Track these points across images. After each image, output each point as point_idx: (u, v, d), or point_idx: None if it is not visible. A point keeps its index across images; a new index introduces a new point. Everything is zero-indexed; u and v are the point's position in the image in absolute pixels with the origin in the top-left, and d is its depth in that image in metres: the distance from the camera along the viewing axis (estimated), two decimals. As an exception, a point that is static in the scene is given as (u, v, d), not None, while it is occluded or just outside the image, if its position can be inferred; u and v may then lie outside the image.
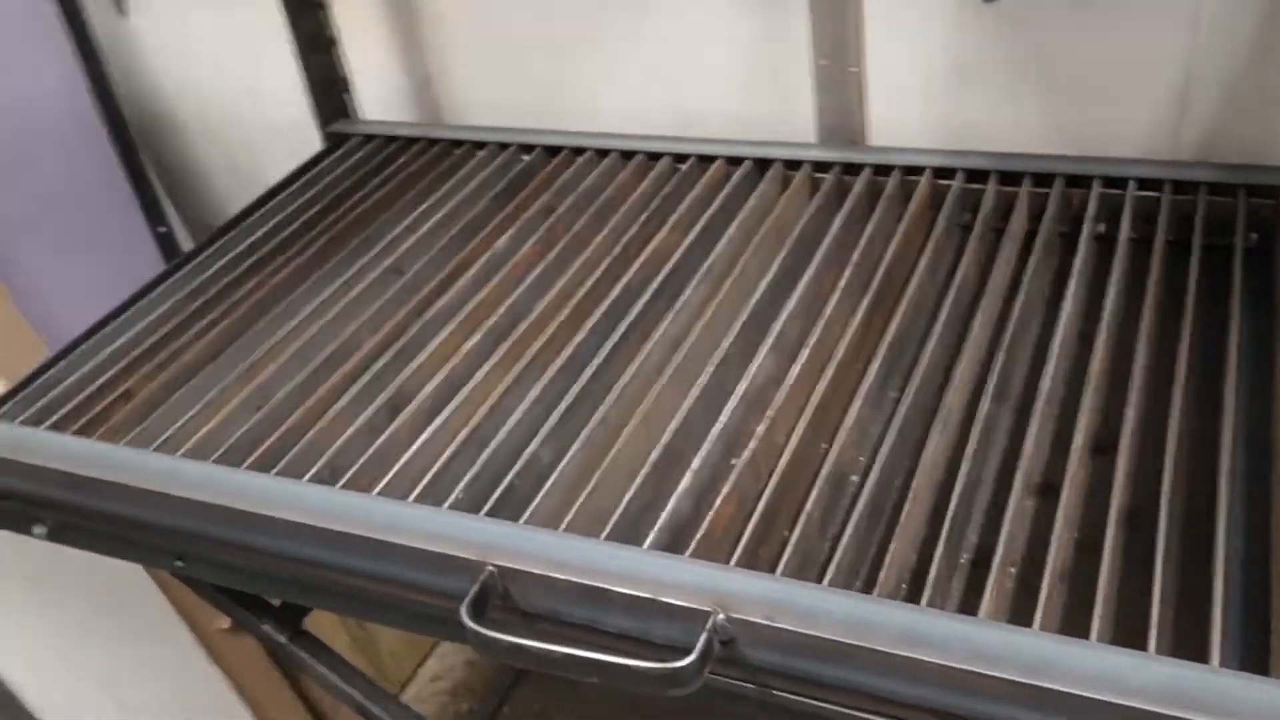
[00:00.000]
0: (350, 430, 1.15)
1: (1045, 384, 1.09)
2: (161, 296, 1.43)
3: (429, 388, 1.19)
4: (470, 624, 0.92)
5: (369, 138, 1.74)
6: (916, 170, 1.42)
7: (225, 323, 1.36)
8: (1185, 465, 1.01)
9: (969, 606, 0.96)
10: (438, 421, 1.15)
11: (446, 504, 1.05)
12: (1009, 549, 0.97)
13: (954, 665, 0.81)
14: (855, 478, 1.10)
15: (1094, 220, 1.30)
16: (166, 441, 1.19)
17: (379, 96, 1.95)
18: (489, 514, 1.04)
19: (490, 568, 0.96)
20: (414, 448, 1.11)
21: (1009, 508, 1.00)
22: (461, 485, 1.07)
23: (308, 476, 1.11)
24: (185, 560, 1.20)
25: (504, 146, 1.65)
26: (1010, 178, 1.38)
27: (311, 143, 1.92)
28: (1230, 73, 1.46)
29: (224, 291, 1.43)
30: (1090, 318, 1.20)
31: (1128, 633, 0.89)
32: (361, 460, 1.11)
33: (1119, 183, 1.33)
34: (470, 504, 1.07)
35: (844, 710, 0.89)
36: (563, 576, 0.93)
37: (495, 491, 1.06)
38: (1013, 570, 0.98)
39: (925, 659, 0.82)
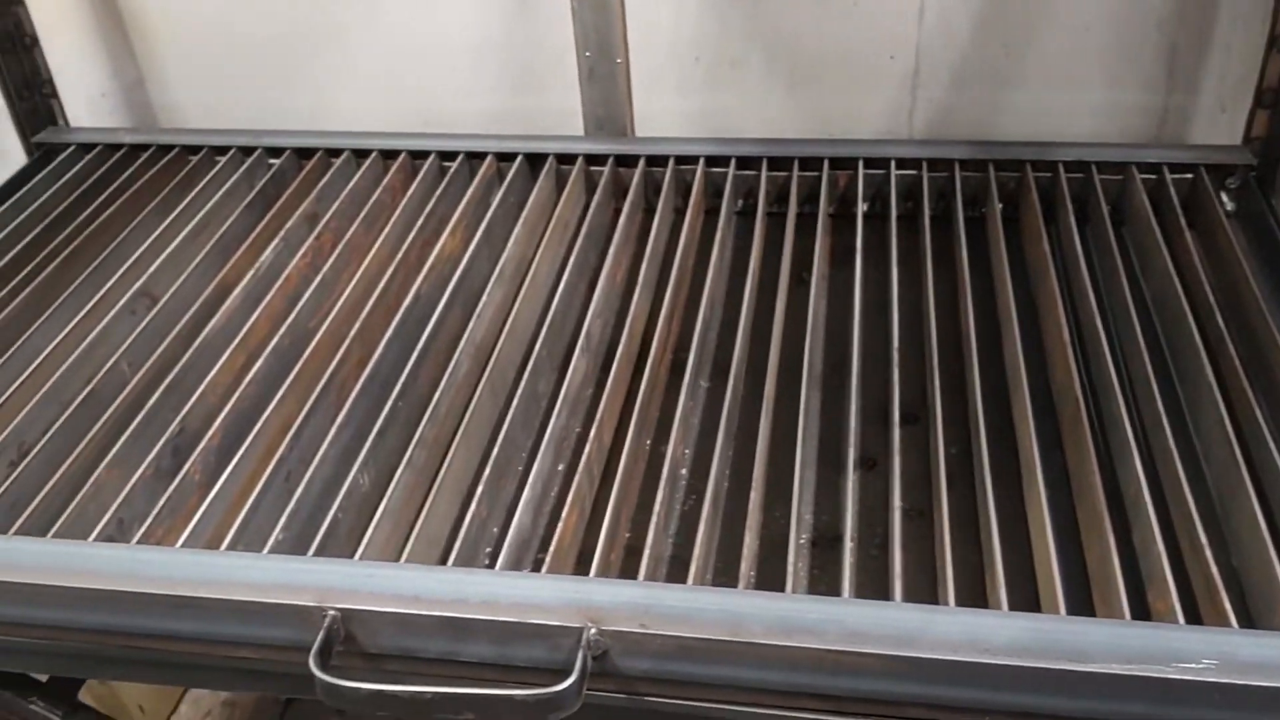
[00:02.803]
0: (134, 479, 1.03)
1: (853, 362, 1.13)
2: None
3: (217, 422, 1.09)
4: (321, 676, 0.84)
5: (86, 147, 1.56)
6: (690, 160, 1.44)
7: (-51, 366, 1.18)
8: (989, 425, 1.07)
9: (822, 587, 0.98)
10: (236, 458, 1.05)
11: (267, 548, 0.96)
12: (848, 525, 1.00)
13: (830, 648, 0.83)
14: (685, 471, 1.10)
15: (864, 201, 1.37)
16: (-98, 511, 1.02)
17: (78, 102, 1.75)
18: (317, 554, 0.96)
19: (332, 612, 0.88)
20: (214, 490, 1.01)
21: (841, 485, 1.04)
22: (280, 525, 0.98)
23: (93, 536, 0.98)
24: (-68, 645, 1.03)
25: (248, 151, 1.53)
26: (779, 163, 1.43)
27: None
28: (955, 58, 1.58)
29: (-61, 331, 1.24)
30: (879, 292, 1.26)
31: (972, 593, 0.95)
32: (154, 512, 1.00)
33: (880, 163, 1.41)
34: (294, 545, 0.99)
35: (720, 706, 0.89)
36: (417, 612, 0.87)
37: (320, 528, 0.98)
38: (852, 545, 1.02)
39: (801, 645, 0.83)
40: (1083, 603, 0.94)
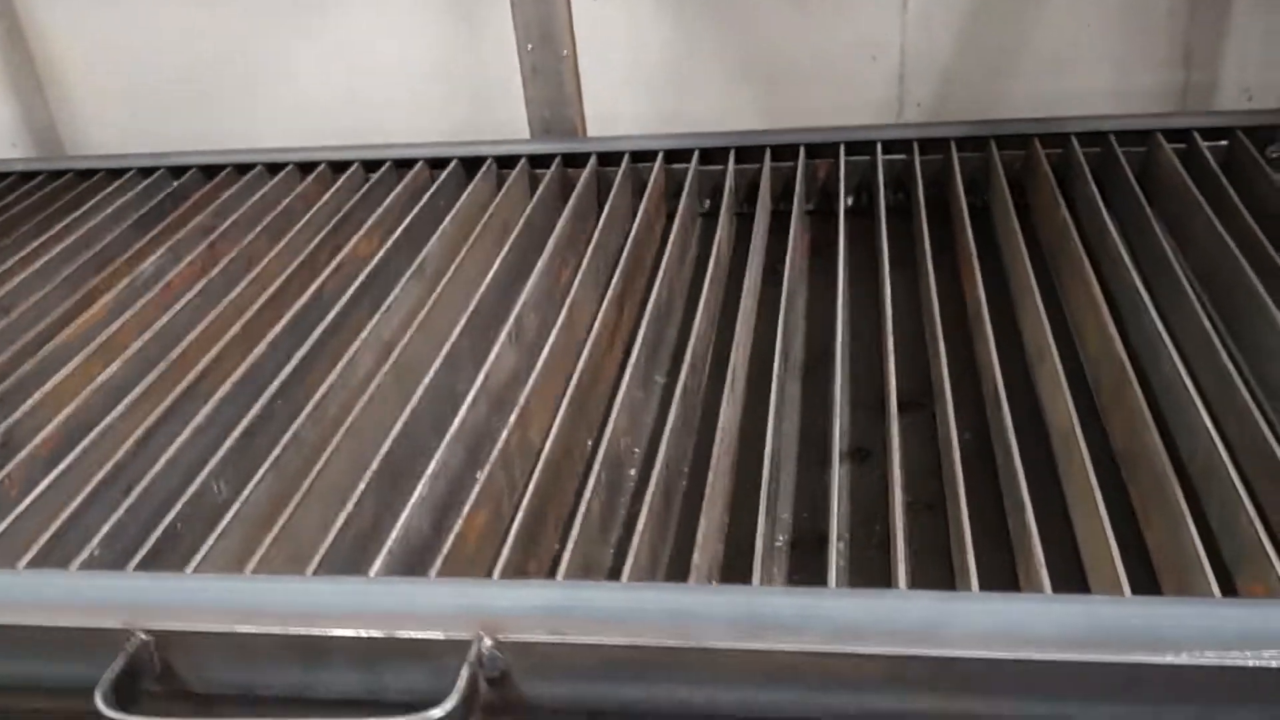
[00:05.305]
0: (-69, 491, 0.81)
1: (837, 349, 0.91)
2: None
3: (47, 430, 0.87)
4: (110, 713, 0.61)
5: (-29, 177, 1.39)
6: (647, 156, 1.26)
7: None
8: (1013, 406, 0.85)
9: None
10: (61, 467, 0.83)
11: (75, 564, 0.73)
12: (834, 521, 0.77)
13: (813, 650, 0.59)
14: (633, 470, 0.88)
15: (846, 194, 1.17)
16: None
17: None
18: (140, 568, 0.74)
19: (141, 635, 0.65)
20: (26, 502, 0.79)
21: (824, 478, 0.81)
22: (99, 539, 0.76)
23: None
24: None
25: (148, 172, 1.35)
26: (748, 154, 1.24)
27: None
28: (942, 52, 1.42)
29: None
30: (863, 280, 1.06)
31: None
32: (-51, 527, 0.78)
33: (864, 148, 1.22)
34: (114, 561, 0.76)
35: (671, 748, 0.65)
36: (253, 630, 0.64)
37: (148, 540, 0.75)
38: (842, 545, 0.79)
39: (774, 648, 0.59)
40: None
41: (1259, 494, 0.73)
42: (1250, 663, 0.55)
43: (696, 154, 1.24)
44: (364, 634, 0.63)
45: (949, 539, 0.77)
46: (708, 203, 1.25)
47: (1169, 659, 0.56)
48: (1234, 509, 0.70)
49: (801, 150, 1.22)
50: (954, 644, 0.58)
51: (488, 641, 0.62)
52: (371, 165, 1.30)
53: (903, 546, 0.70)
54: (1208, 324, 0.87)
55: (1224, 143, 1.17)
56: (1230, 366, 0.82)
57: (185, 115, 1.52)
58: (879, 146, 1.21)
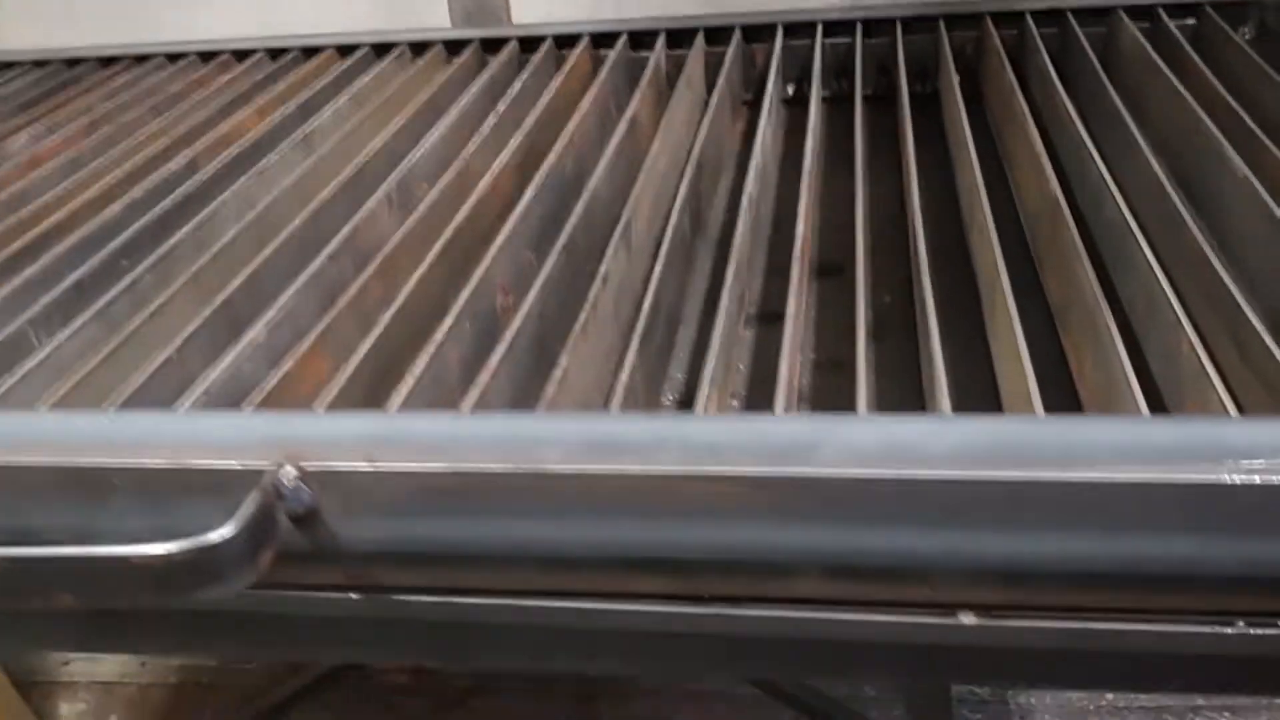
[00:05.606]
0: None
1: (743, 204, 0.82)
2: None
3: None
4: None
5: None
6: (573, 41, 1.16)
7: None
8: (935, 265, 0.75)
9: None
10: None
11: None
12: (729, 381, 0.68)
13: (664, 471, 0.50)
14: (510, 334, 0.78)
15: (781, 79, 1.08)
16: None
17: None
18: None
19: (-110, 471, 0.56)
20: None
21: (720, 339, 0.72)
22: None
23: None
24: None
25: (42, 64, 1.26)
26: (680, 38, 1.15)
27: None
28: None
29: None
30: (792, 160, 0.96)
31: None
32: None
33: (804, 30, 1.13)
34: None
35: (501, 600, 0.55)
36: (20, 461, 0.55)
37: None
38: (735, 403, 0.69)
39: (620, 470, 0.50)
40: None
41: (1204, 330, 0.64)
42: (1180, 477, 0.46)
43: (625, 38, 1.15)
44: (148, 464, 0.54)
45: (854, 397, 0.67)
46: (636, 96, 1.15)
47: (1082, 475, 0.46)
48: (1175, 340, 0.60)
49: (737, 32, 1.13)
50: (828, 463, 0.49)
51: (290, 470, 0.52)
52: (277, 53, 1.21)
53: (785, 385, 0.61)
54: (1159, 172, 0.78)
55: (1191, 21, 1.07)
56: (1181, 210, 0.72)
57: (105, 19, 1.42)
58: (819, 28, 1.11)
